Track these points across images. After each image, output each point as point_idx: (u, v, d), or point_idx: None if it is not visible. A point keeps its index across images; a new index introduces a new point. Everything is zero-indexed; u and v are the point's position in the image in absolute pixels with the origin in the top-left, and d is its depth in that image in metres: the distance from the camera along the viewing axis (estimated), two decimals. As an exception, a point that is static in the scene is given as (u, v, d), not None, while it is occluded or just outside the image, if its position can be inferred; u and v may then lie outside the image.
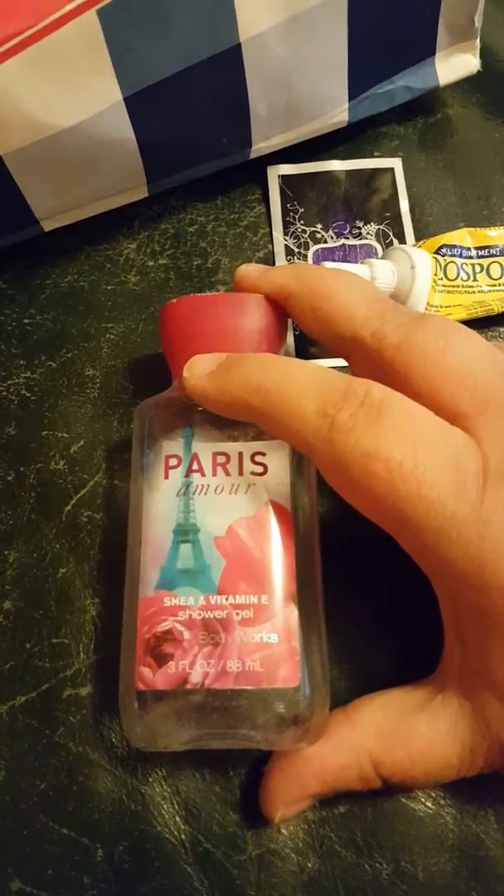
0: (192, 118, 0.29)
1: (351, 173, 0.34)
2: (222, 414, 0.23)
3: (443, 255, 0.30)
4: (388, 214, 0.34)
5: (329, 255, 0.33)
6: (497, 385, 0.21)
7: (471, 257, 0.30)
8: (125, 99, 0.27)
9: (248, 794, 0.24)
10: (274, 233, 0.33)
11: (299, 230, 0.33)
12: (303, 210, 0.34)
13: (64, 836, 0.24)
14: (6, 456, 0.29)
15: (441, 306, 0.29)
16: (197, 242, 0.33)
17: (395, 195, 0.34)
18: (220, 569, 0.22)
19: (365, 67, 0.32)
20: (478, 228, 0.31)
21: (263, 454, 0.23)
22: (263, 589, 0.21)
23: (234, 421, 0.23)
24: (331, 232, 0.33)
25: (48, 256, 0.33)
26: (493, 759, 0.20)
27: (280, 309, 0.25)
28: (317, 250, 0.33)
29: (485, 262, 0.30)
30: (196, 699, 0.21)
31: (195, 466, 0.23)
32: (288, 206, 0.34)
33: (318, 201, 0.34)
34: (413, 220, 0.34)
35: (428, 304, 0.29)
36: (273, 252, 0.33)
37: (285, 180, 0.34)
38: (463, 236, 0.31)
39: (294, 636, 0.21)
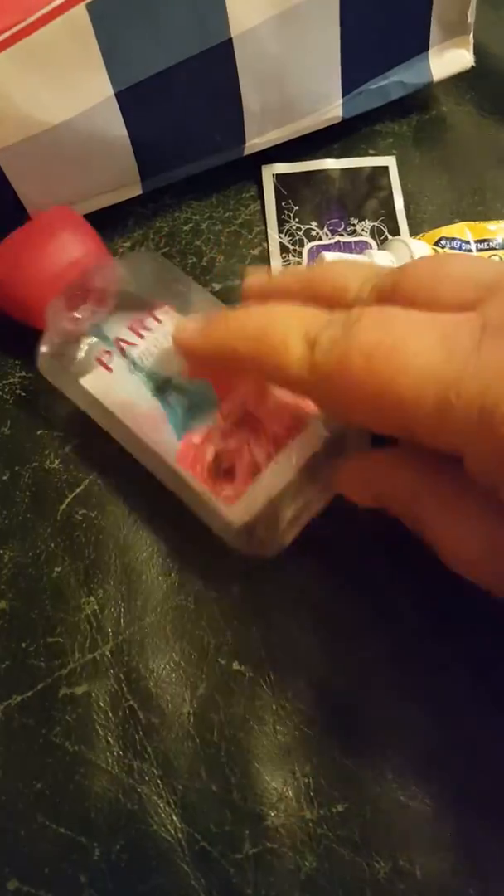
0: (185, 114, 0.29)
1: (346, 172, 0.34)
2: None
3: (442, 248, 0.30)
4: (382, 212, 0.34)
5: (324, 251, 0.33)
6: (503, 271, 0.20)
7: (470, 251, 0.30)
8: (116, 94, 0.27)
9: (245, 792, 0.24)
10: (269, 231, 0.33)
11: (294, 228, 0.33)
12: (297, 208, 0.34)
13: (61, 834, 0.24)
14: (1, 455, 0.29)
15: None
16: (192, 241, 0.33)
17: (389, 193, 0.34)
18: (210, 387, 0.24)
19: (358, 63, 0.32)
20: (477, 222, 0.31)
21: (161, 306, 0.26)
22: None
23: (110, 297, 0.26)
24: (326, 229, 0.33)
25: (42, 255, 0.33)
26: None
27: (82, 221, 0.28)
28: (311, 247, 0.33)
29: (484, 255, 0.30)
30: (279, 480, 0.23)
31: (123, 345, 0.25)
32: (283, 204, 0.34)
33: (313, 199, 0.34)
34: (408, 217, 0.33)
35: None
36: (268, 250, 0.33)
37: (280, 179, 0.34)
38: (462, 230, 0.30)
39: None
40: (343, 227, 0.33)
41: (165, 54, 0.27)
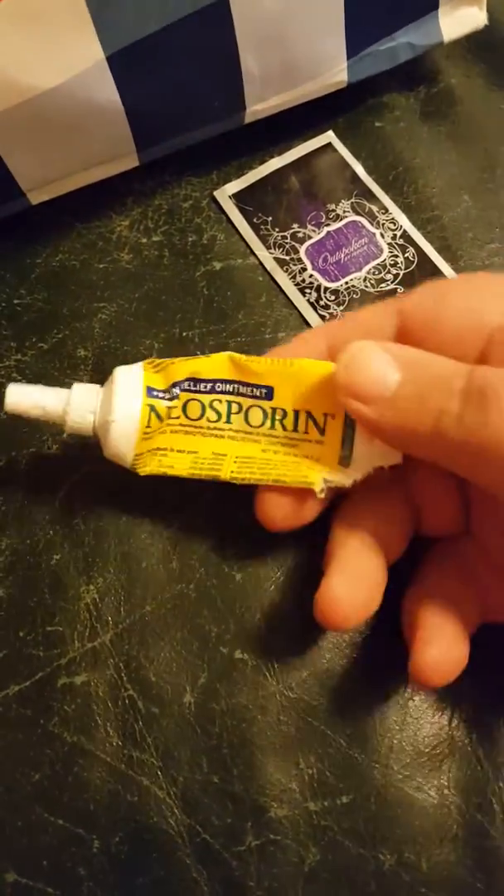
0: (181, 79, 0.28)
1: (294, 164, 0.33)
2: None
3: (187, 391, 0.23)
4: (352, 186, 0.33)
5: (321, 247, 0.31)
6: None
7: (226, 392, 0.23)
8: (108, 58, 0.26)
9: (248, 783, 0.23)
10: (257, 253, 0.31)
11: (278, 238, 0.32)
12: (271, 218, 0.32)
13: (59, 826, 0.23)
14: (-3, 440, 0.28)
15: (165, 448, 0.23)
16: (192, 218, 0.32)
17: (345, 165, 0.33)
18: None
19: (364, 22, 0.30)
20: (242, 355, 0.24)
21: None
22: None
23: None
24: (309, 226, 0.32)
25: (38, 234, 0.32)
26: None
27: None
28: (307, 248, 0.31)
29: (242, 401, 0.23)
30: None
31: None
32: (254, 220, 0.32)
33: (281, 203, 0.32)
34: (415, 193, 0.32)
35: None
36: (267, 270, 0.31)
37: (238, 198, 0.32)
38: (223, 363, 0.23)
39: None
40: (324, 217, 0.32)
41: (158, 14, 0.25)
